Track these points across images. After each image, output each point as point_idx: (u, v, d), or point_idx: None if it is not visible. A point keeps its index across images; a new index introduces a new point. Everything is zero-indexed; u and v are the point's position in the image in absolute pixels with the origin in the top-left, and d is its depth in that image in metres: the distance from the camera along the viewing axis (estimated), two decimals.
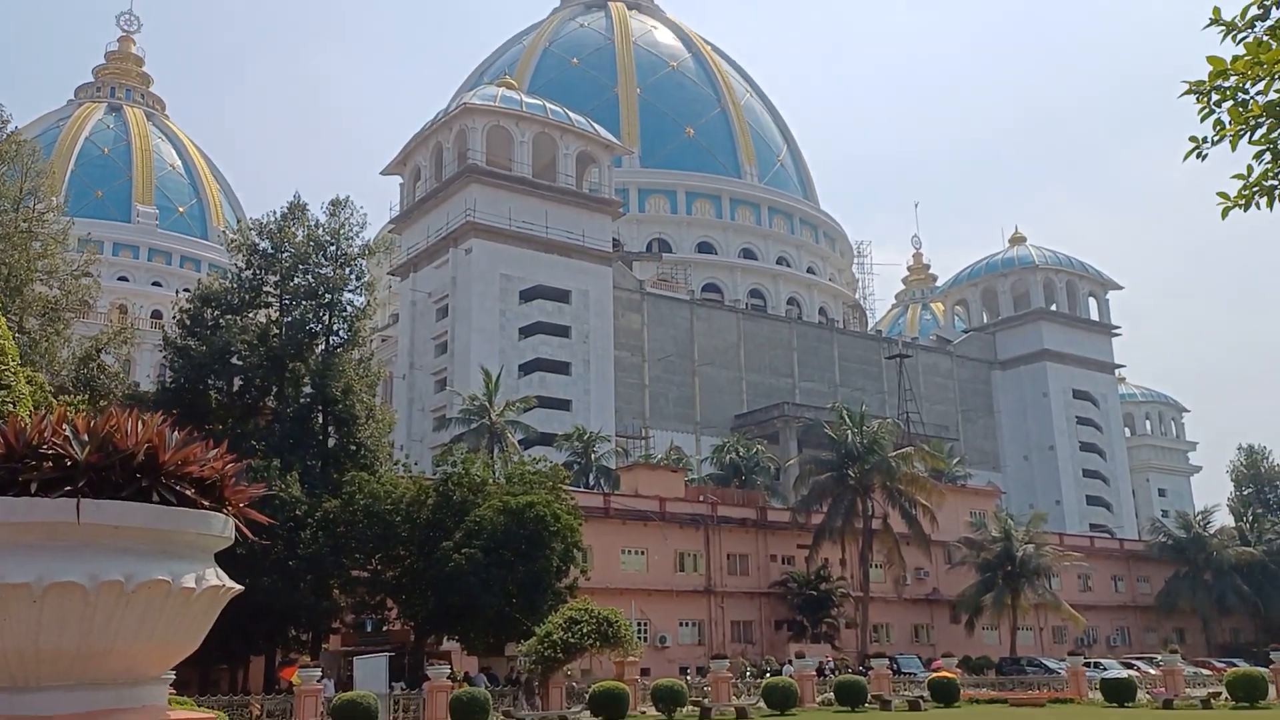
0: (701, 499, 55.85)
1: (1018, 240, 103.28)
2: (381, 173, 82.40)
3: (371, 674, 33.54)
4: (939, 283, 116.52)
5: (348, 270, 41.65)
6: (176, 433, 4.45)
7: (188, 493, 4.26)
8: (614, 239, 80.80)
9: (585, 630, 31.13)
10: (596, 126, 79.01)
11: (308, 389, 40.33)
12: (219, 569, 4.44)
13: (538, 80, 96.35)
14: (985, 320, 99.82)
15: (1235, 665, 41.42)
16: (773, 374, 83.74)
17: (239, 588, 4.55)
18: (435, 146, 76.75)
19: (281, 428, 39.72)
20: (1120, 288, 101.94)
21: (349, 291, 42.26)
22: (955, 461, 75.03)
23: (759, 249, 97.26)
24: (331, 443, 40.80)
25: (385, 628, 40.34)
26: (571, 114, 77.80)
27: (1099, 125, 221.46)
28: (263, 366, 39.71)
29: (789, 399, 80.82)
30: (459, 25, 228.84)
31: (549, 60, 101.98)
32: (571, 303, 72.19)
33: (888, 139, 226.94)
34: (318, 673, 29.44)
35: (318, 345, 41.44)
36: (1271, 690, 33.29)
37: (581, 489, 53.97)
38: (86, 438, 4.14)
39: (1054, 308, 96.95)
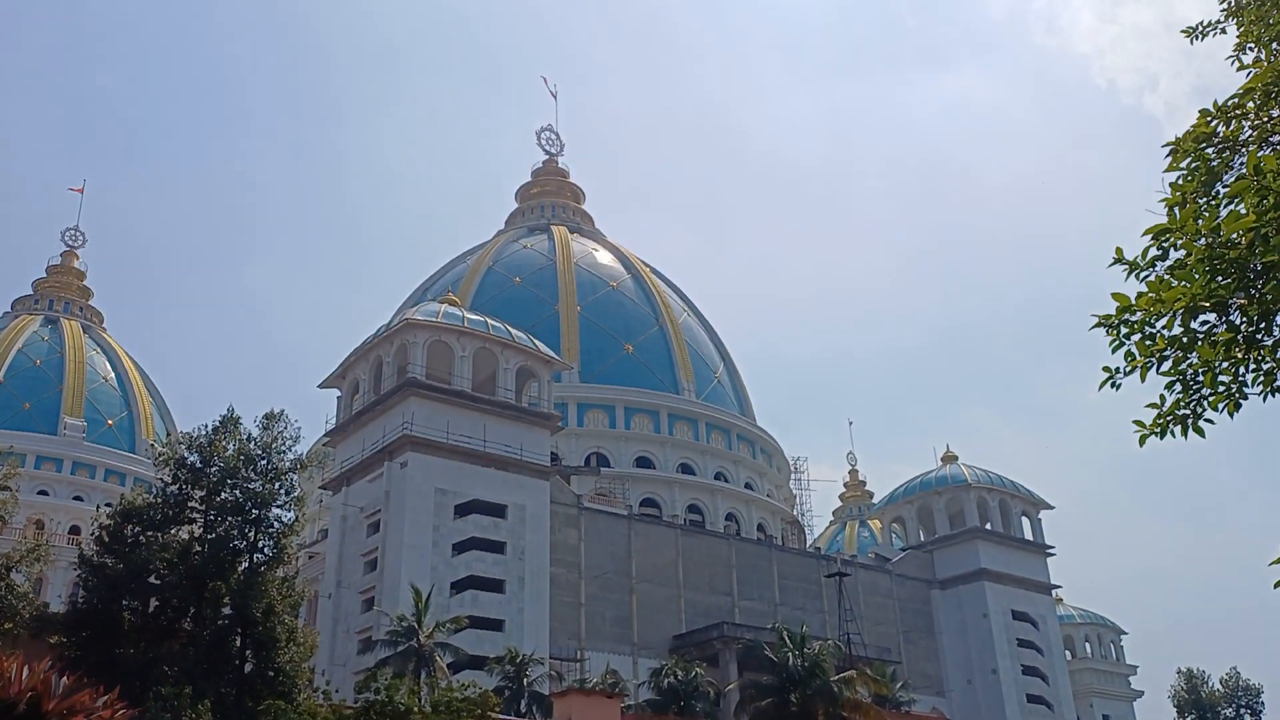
0: None
1: (950, 458, 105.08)
2: (319, 386, 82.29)
3: None
4: (875, 499, 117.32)
5: (278, 485, 40.83)
6: (65, 678, 4.13)
7: None
8: (553, 453, 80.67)
9: None
10: (537, 342, 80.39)
11: (228, 609, 38.61)
12: None
13: (480, 297, 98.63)
14: (922, 538, 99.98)
15: None
16: (712, 592, 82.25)
17: None
18: (375, 360, 77.17)
19: (197, 651, 37.74)
20: (1051, 507, 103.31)
21: (278, 507, 41.27)
22: (899, 686, 73.19)
23: (697, 464, 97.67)
24: (249, 668, 38.71)
25: None
26: (513, 330, 79.22)
27: (1020, 349, 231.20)
28: (181, 585, 38.14)
29: (728, 618, 79.09)
30: (403, 245, 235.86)
31: (492, 278, 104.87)
32: (508, 518, 71.08)
33: (821, 358, 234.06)
34: None
35: (241, 563, 40.03)
36: None
37: (512, 717, 51.40)
38: None
39: (989, 526, 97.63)
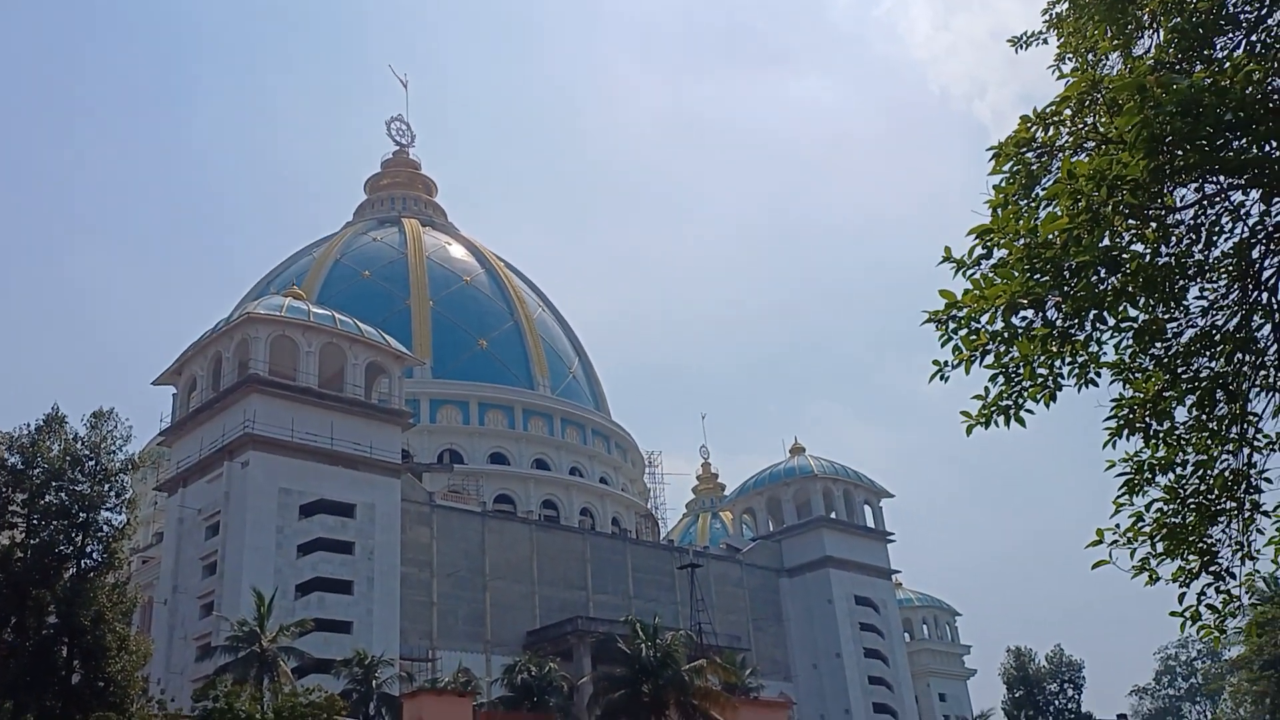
0: None
1: (797, 450, 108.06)
2: (153, 383, 78.40)
3: None
4: (727, 492, 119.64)
5: (107, 487, 38.77)
6: None
7: None
8: (404, 450, 79.11)
9: None
10: (387, 337, 78.66)
11: (53, 618, 36.45)
12: None
13: (328, 291, 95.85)
14: (771, 528, 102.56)
15: None
16: (566, 587, 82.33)
17: None
18: (214, 356, 74.05)
19: (19, 663, 35.51)
20: (891, 495, 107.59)
21: (107, 510, 39.19)
22: (748, 672, 74.90)
23: (552, 460, 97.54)
24: (77, 679, 36.65)
25: None
26: (362, 325, 77.29)
27: (865, 344, 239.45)
28: (1, 594, 35.76)
29: (583, 612, 79.29)
30: (244, 238, 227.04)
31: (340, 272, 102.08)
32: (356, 517, 69.37)
33: (675, 353, 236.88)
34: None
35: (67, 569, 37.86)
36: None
37: None
38: None
39: (834, 515, 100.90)
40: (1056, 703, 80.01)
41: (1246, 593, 9.03)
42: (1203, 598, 8.48)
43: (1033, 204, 8.41)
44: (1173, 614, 8.55)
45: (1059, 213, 7.88)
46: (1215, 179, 7.92)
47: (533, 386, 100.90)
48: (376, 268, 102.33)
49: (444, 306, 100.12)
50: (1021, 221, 8.05)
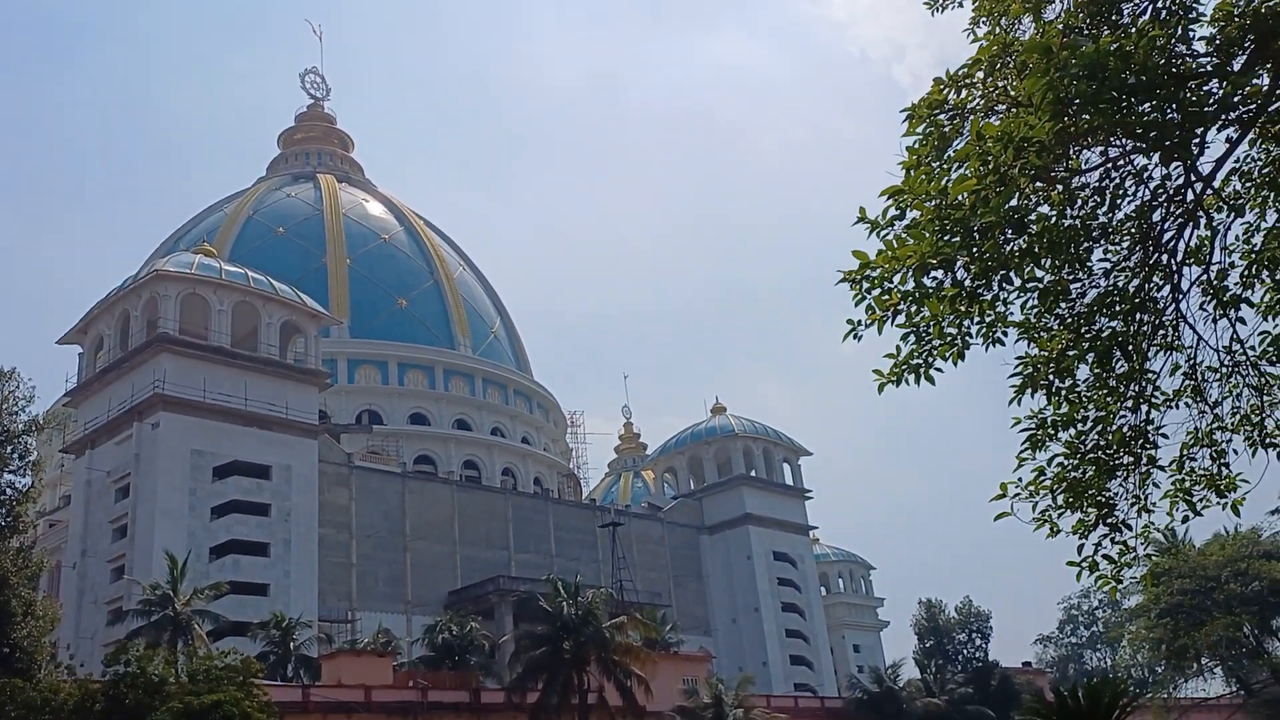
0: (411, 684, 52.93)
1: (719, 410, 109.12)
2: (58, 342, 75.79)
3: None
4: (649, 451, 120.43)
5: (10, 449, 37.40)
6: None
7: None
8: (321, 411, 77.88)
9: None
10: (303, 296, 77.05)
11: None
12: None
13: (240, 248, 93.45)
14: (693, 487, 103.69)
15: None
16: (488, 547, 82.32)
17: None
18: (122, 314, 71.79)
19: None
20: (810, 454, 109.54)
21: (10, 472, 37.87)
22: (668, 628, 75.87)
23: (473, 420, 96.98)
24: None
25: None
26: (276, 283, 75.55)
27: (785, 304, 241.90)
28: None
29: (505, 572, 79.48)
30: (153, 192, 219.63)
31: (253, 228, 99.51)
32: (272, 479, 68.25)
33: (597, 313, 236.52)
34: None
35: None
36: None
37: (278, 682, 49.73)
38: None
39: (754, 474, 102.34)
40: (965, 651, 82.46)
41: (1143, 544, 9.38)
42: (1099, 549, 8.79)
43: (944, 165, 8.51)
44: (1070, 564, 8.85)
45: (968, 174, 8.00)
46: (1119, 142, 8.11)
47: (454, 346, 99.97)
48: (291, 224, 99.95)
49: (361, 265, 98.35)
50: (933, 183, 8.15)
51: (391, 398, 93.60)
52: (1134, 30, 7.96)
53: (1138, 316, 9.06)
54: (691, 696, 60.07)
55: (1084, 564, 8.82)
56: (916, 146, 8.67)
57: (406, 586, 75.93)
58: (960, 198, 7.90)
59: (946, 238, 8.00)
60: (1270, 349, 9.27)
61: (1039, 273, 8.58)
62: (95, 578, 64.84)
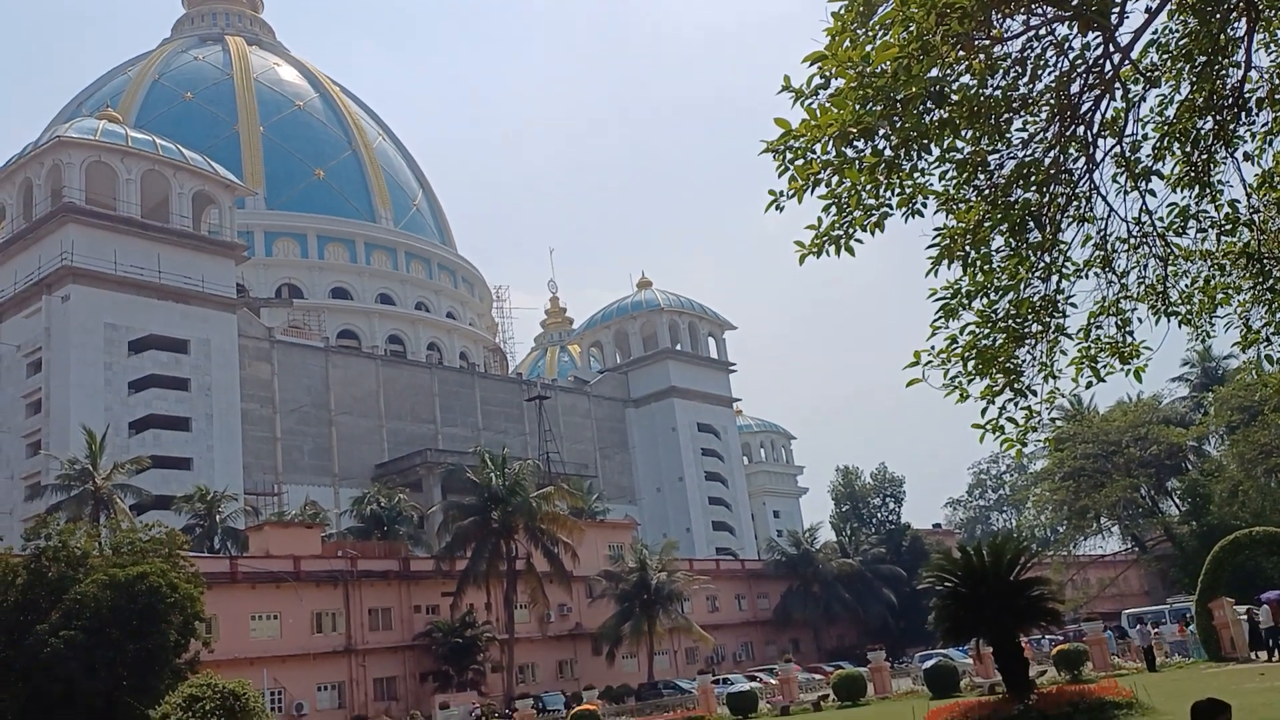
0: (340, 554, 53.56)
1: (645, 285, 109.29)
2: None
3: None
4: (575, 326, 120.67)
5: None
6: None
7: None
8: (239, 285, 76.10)
9: (208, 708, 28.48)
10: (215, 165, 74.32)
11: None
12: None
13: (146, 114, 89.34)
14: (619, 361, 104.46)
15: (841, 668, 45.75)
16: (415, 421, 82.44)
17: None
18: (24, 183, 68.66)
19: None
20: (735, 328, 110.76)
21: None
22: (594, 498, 77.55)
23: (397, 294, 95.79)
24: None
25: None
26: (186, 151, 72.67)
27: (709, 176, 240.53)
28: None
29: (432, 445, 79.89)
30: (50, 54, 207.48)
31: (159, 93, 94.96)
32: (191, 353, 67.02)
33: (523, 186, 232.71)
34: None
35: None
36: (870, 687, 37.06)
37: (205, 554, 49.93)
38: None
39: (679, 347, 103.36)
40: (879, 515, 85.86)
41: (1048, 409, 9.71)
42: (1004, 412, 9.09)
43: (869, 32, 8.40)
44: (975, 426, 9.15)
45: (892, 41, 7.92)
46: (1041, 10, 8.09)
47: (374, 219, 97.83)
48: (200, 89, 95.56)
49: (275, 133, 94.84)
50: (856, 50, 8.06)
51: (312, 271, 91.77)
52: None
53: (1052, 188, 9.19)
54: (617, 562, 61.93)
55: (988, 426, 9.12)
56: (842, 12, 8.53)
57: (333, 460, 75.99)
58: (883, 66, 7.84)
59: (869, 106, 7.96)
60: (1177, 221, 9.51)
61: (959, 144, 8.61)
62: (10, 453, 63.67)
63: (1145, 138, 9.37)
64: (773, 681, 45.00)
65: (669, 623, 58.97)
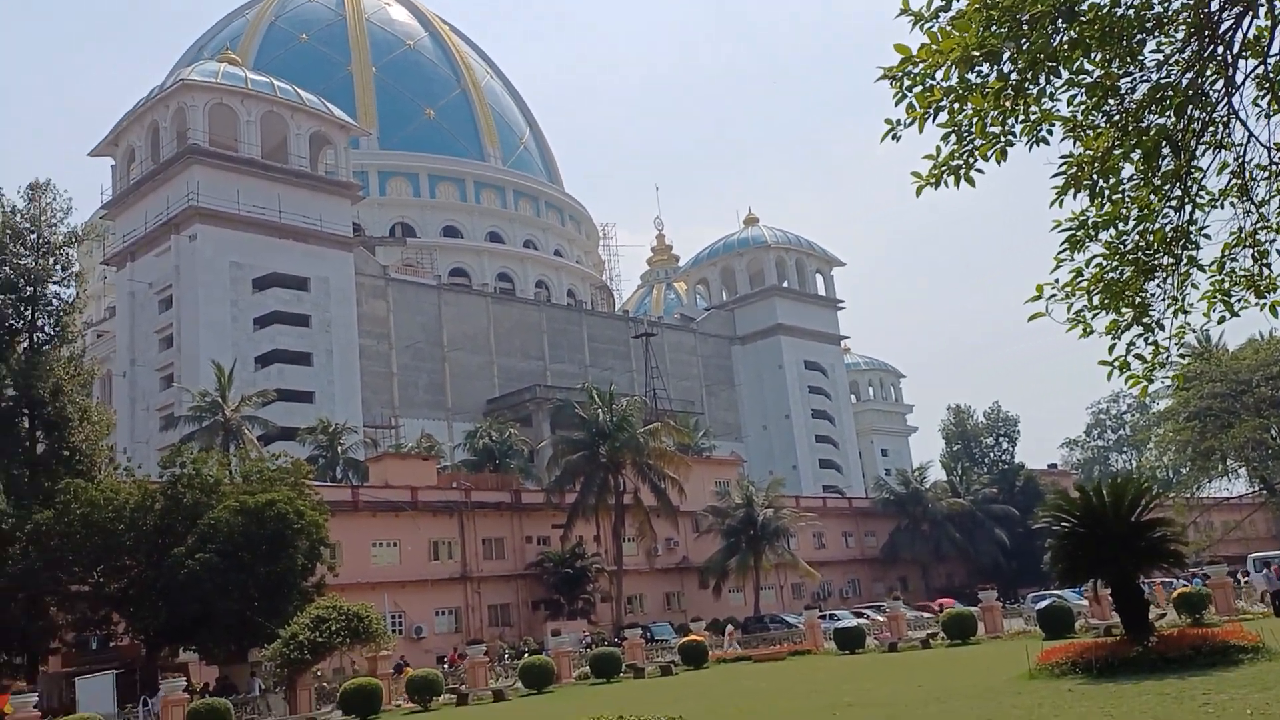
0: (455, 485, 55.23)
1: (751, 221, 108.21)
2: (90, 154, 75.82)
3: (96, 694, 31.01)
4: (681, 263, 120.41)
5: (52, 260, 38.12)
6: None
7: None
8: (354, 224, 78.10)
9: (334, 628, 30.04)
10: (330, 106, 75.93)
11: (10, 391, 36.65)
12: None
13: (264, 56, 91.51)
14: (725, 298, 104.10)
15: (950, 607, 45.36)
16: (524, 357, 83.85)
17: None
18: (151, 126, 71.33)
19: None
20: (843, 264, 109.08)
21: (55, 284, 38.70)
22: (700, 434, 77.97)
23: (505, 232, 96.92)
24: (41, 448, 37.30)
25: (113, 644, 37.39)
26: (302, 92, 74.35)
27: (815, 111, 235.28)
28: None
29: (540, 381, 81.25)
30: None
31: (275, 35, 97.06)
32: (311, 290, 69.25)
33: (628, 123, 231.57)
34: (34, 698, 26.90)
35: (20, 343, 37.74)
36: (980, 627, 36.70)
37: (328, 483, 52.05)
38: None
39: (786, 284, 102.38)
40: (991, 455, 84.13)
41: (1176, 345, 9.36)
42: (1132, 348, 8.79)
43: None
44: (1102, 363, 8.87)
45: None
46: None
47: (483, 158, 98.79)
48: (314, 30, 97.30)
49: (387, 73, 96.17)
50: None
51: (424, 210, 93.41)
52: None
53: (1188, 112, 8.75)
54: (723, 497, 62.31)
55: (1115, 363, 8.84)
56: None
57: (446, 394, 77.97)
58: None
59: (993, 28, 7.68)
60: None
61: (1089, 66, 8.24)
62: (145, 386, 67.05)
63: None
64: (880, 619, 44.94)
65: (775, 558, 59.28)
